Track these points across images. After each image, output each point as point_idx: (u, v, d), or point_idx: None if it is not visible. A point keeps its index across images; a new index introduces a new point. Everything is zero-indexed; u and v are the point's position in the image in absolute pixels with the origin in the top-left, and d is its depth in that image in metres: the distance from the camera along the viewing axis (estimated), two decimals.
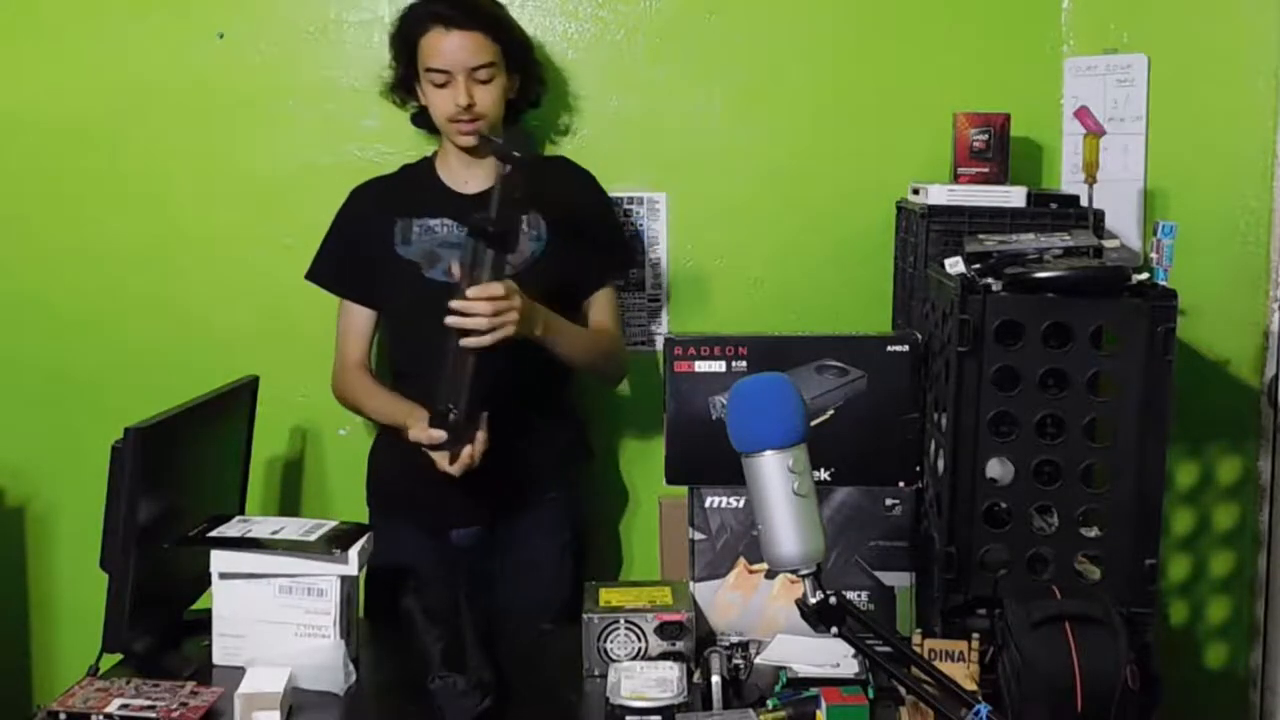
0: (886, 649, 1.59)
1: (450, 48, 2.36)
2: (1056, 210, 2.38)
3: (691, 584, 2.12)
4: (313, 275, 2.53)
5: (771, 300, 2.75)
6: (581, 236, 2.49)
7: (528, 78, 2.51)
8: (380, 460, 2.55)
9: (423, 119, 2.54)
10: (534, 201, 2.44)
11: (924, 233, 2.36)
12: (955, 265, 2.03)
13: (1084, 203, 2.37)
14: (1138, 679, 1.72)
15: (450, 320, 2.13)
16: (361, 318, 2.51)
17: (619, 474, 2.78)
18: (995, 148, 2.48)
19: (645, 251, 2.73)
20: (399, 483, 2.46)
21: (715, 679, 1.85)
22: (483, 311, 2.13)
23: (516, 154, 2.17)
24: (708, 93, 2.73)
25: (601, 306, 2.54)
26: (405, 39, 2.42)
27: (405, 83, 2.48)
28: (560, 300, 2.45)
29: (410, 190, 2.51)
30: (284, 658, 1.93)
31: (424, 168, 2.54)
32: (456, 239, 2.42)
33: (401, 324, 2.51)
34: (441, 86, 2.37)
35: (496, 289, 2.14)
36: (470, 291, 2.13)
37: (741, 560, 2.12)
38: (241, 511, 2.37)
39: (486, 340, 2.14)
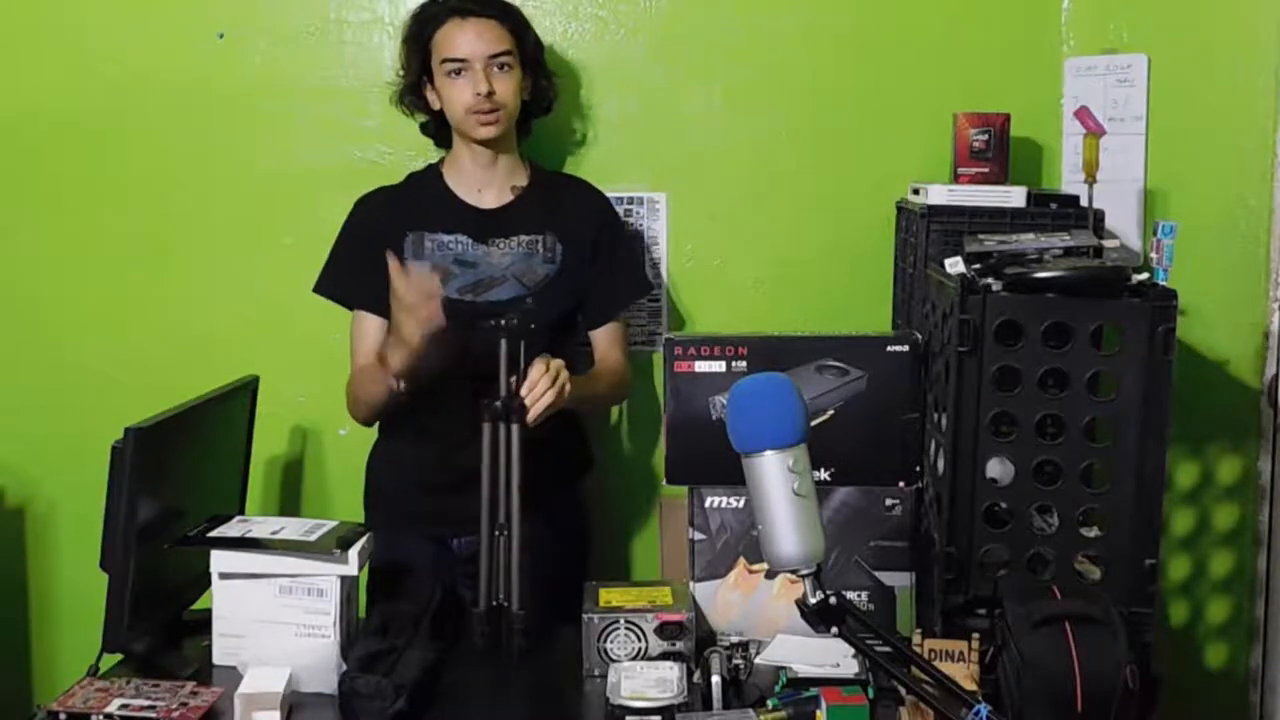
0: (886, 649, 1.59)
1: (468, 37, 2.36)
2: (1056, 210, 2.37)
3: (691, 584, 2.12)
4: (320, 289, 2.50)
5: (771, 300, 2.75)
6: (595, 263, 2.48)
7: (540, 80, 2.51)
8: (378, 469, 2.54)
9: (432, 127, 2.53)
10: (549, 221, 2.45)
11: (924, 233, 2.36)
12: (955, 265, 2.03)
13: (1084, 203, 2.37)
14: (1138, 679, 1.72)
15: None
16: (372, 326, 2.46)
17: (619, 474, 2.78)
18: (995, 148, 2.48)
19: (648, 258, 2.72)
20: (398, 491, 2.46)
21: (715, 679, 1.85)
22: (545, 389, 2.12)
23: (513, 321, 2.12)
24: (708, 93, 2.72)
25: (610, 339, 2.52)
26: (419, 36, 2.42)
27: (416, 87, 2.46)
28: (564, 325, 2.47)
29: (420, 201, 2.49)
30: (284, 658, 1.93)
31: (431, 177, 2.52)
32: (472, 256, 2.43)
33: None
34: (459, 77, 2.37)
35: (540, 368, 2.13)
36: (527, 388, 2.12)
37: (741, 560, 2.12)
38: (241, 511, 2.37)
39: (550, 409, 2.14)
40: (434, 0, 2.43)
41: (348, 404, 2.48)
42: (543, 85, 2.52)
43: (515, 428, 2.10)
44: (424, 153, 2.69)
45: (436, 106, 2.45)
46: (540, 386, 2.12)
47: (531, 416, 2.11)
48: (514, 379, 2.13)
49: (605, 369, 2.50)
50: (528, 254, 2.45)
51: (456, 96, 2.38)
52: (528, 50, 2.45)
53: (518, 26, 2.43)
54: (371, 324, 2.47)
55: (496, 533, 2.10)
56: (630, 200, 2.71)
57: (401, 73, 2.49)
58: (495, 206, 2.48)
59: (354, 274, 2.47)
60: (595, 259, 2.48)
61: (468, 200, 2.48)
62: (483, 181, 2.48)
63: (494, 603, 2.09)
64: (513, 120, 2.45)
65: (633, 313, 2.68)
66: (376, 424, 2.53)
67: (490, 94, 2.36)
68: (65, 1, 2.73)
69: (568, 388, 2.16)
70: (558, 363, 2.17)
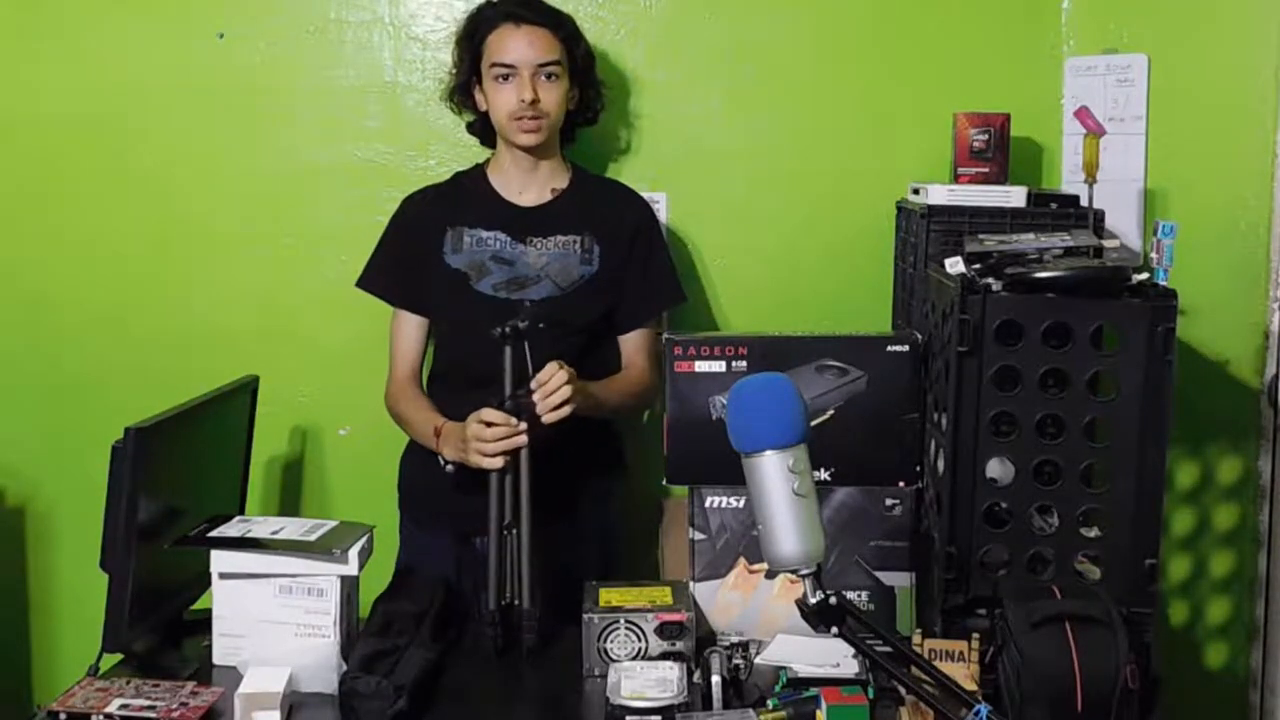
0: (886, 649, 1.59)
1: (518, 44, 2.38)
2: (1056, 210, 2.37)
3: (691, 584, 2.13)
4: (364, 283, 2.52)
5: (771, 300, 2.75)
6: (630, 267, 2.49)
7: (588, 91, 2.52)
8: (410, 467, 2.55)
9: (478, 126, 2.55)
10: (588, 222, 2.46)
11: (924, 233, 2.36)
12: (955, 265, 2.03)
13: (1084, 203, 2.37)
14: (1138, 679, 1.72)
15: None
16: (412, 326, 2.49)
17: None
18: (995, 148, 2.48)
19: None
20: (428, 490, 2.46)
21: (715, 679, 1.85)
22: (555, 388, 2.13)
23: (520, 325, 2.11)
24: (708, 93, 2.72)
25: (635, 345, 2.51)
26: (472, 37, 2.44)
27: (465, 87, 2.48)
28: (598, 328, 2.47)
29: (463, 198, 2.50)
30: (283, 658, 1.93)
31: (477, 176, 2.54)
32: (510, 254, 2.43)
33: (444, 332, 2.50)
34: (506, 82, 2.39)
35: (550, 371, 2.13)
36: (537, 385, 2.12)
37: (741, 560, 2.12)
38: (241, 511, 2.37)
39: (567, 411, 2.14)
40: (490, 3, 2.46)
41: (388, 405, 2.49)
42: (590, 95, 2.54)
43: (524, 427, 2.10)
44: (424, 153, 2.70)
45: (483, 108, 2.47)
46: (551, 384, 2.13)
47: (545, 417, 2.13)
48: (528, 377, 2.13)
49: (625, 377, 2.48)
50: (564, 254, 2.45)
51: (502, 101, 2.40)
52: (578, 61, 2.47)
53: (569, 37, 2.45)
54: (412, 323, 2.49)
55: (506, 532, 2.10)
56: None
57: (453, 71, 2.51)
58: (534, 205, 2.49)
59: (396, 272, 2.49)
60: (630, 262, 2.49)
61: (507, 197, 2.50)
62: (523, 184, 2.50)
63: (504, 601, 2.09)
64: (555, 129, 2.46)
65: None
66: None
67: (534, 102, 2.37)
68: (65, 1, 2.73)
69: (576, 400, 2.16)
70: (569, 371, 2.16)
